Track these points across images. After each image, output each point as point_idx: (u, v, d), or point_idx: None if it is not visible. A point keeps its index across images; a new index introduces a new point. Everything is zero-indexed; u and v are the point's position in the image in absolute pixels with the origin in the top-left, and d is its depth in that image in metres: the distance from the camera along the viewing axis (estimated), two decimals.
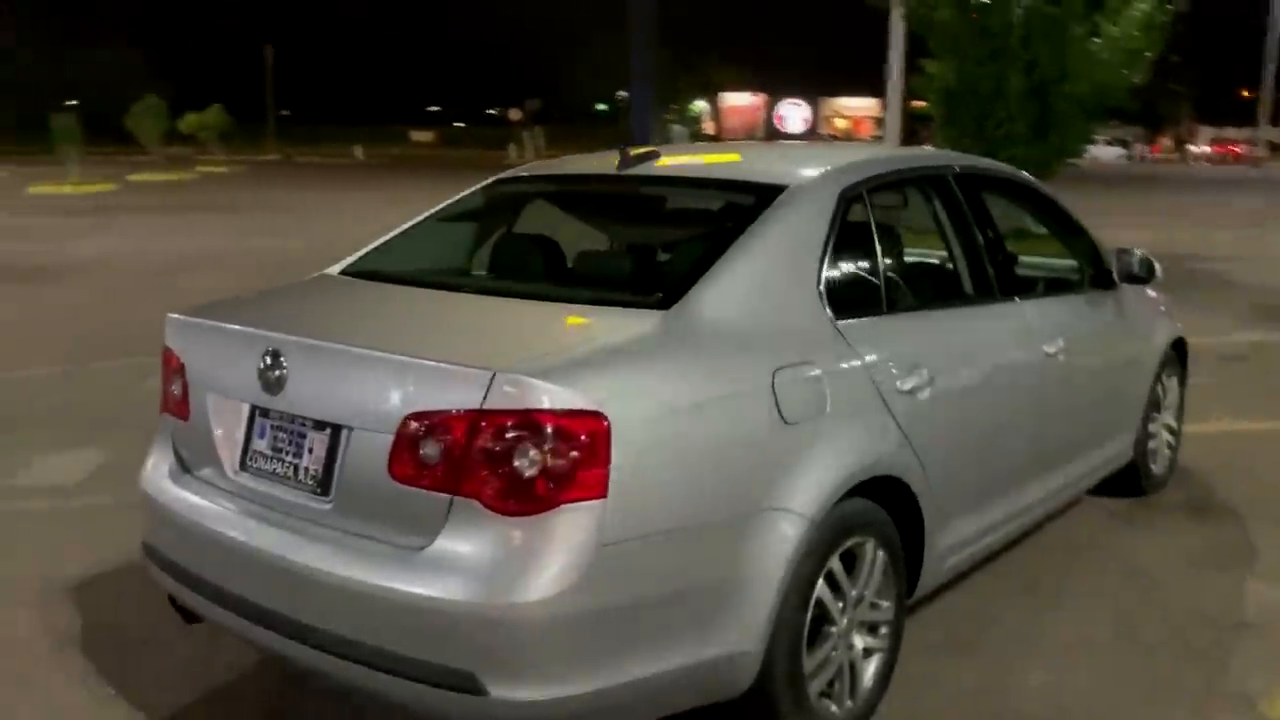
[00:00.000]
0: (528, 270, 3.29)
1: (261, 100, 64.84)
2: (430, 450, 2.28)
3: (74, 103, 26.16)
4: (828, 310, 2.88)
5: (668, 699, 2.52)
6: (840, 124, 66.38)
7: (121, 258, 13.37)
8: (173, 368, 2.94)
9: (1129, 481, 4.78)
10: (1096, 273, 4.36)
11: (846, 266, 3.07)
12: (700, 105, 67.11)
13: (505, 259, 3.43)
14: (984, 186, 3.86)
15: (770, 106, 65.59)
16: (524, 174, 3.79)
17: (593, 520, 2.23)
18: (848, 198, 3.12)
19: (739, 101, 66.57)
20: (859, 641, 2.95)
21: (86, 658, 3.37)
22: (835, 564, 2.79)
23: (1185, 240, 16.86)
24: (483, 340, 2.60)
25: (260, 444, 2.66)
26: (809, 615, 2.71)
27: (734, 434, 2.52)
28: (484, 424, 2.23)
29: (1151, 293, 5.08)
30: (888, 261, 3.25)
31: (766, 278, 2.81)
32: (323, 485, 2.50)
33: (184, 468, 2.92)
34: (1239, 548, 4.34)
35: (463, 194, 3.68)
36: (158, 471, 2.95)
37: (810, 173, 3.17)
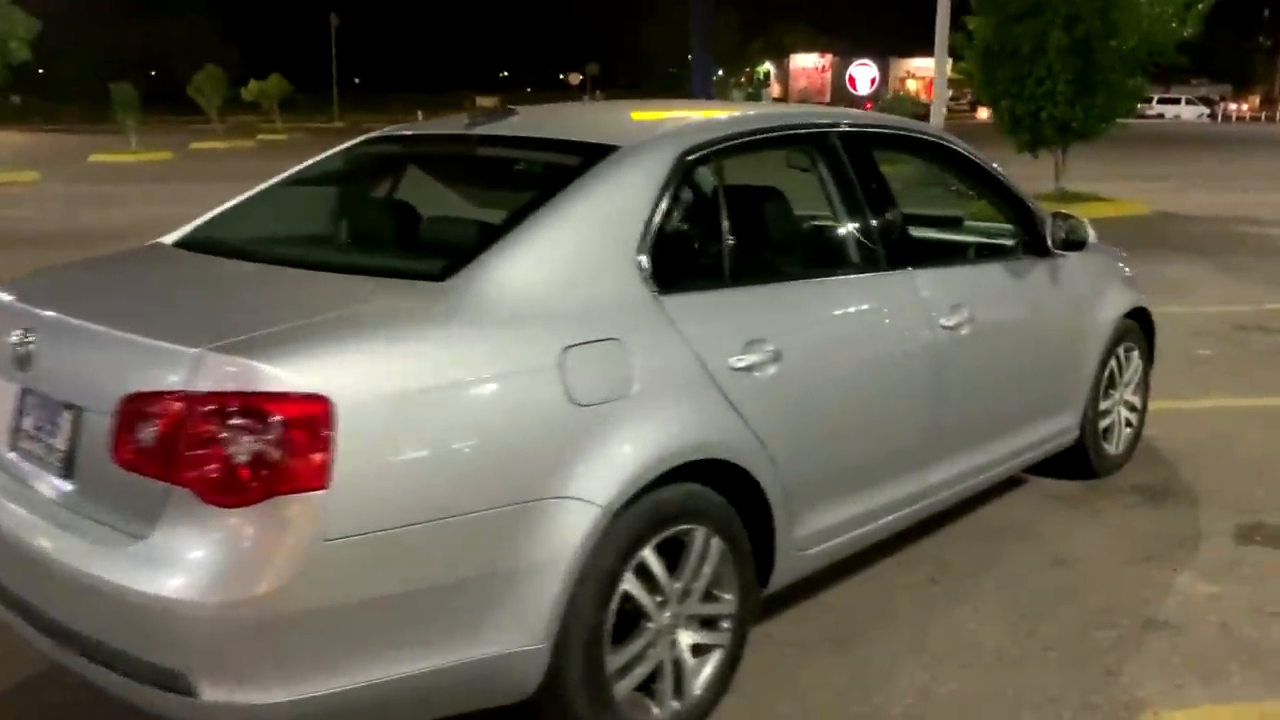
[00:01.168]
0: (362, 237, 3.11)
1: (331, 68, 65.35)
2: (146, 434, 2.12)
3: (132, 73, 26.61)
4: (647, 282, 2.64)
5: (439, 700, 2.35)
6: (912, 85, 64.84)
7: (168, 223, 13.42)
8: None
9: (1079, 463, 4.47)
10: (1032, 239, 4.03)
11: (680, 235, 2.82)
12: (767, 68, 66.19)
13: (352, 225, 3.25)
14: (885, 147, 3.57)
15: (838, 67, 64.32)
16: (389, 134, 3.59)
17: (311, 513, 2.05)
18: (690, 160, 2.87)
19: (806, 63, 65.41)
20: (687, 638, 2.74)
21: None
22: (649, 554, 2.58)
23: (1247, 203, 16.06)
24: (217, 315, 2.42)
25: (26, 423, 2.53)
26: (612, 610, 2.51)
27: (508, 417, 2.31)
28: (191, 406, 2.06)
29: (1115, 260, 4.74)
30: (740, 229, 2.99)
31: (571, 247, 2.58)
32: (68, 468, 2.36)
33: None
34: (1185, 537, 4.00)
35: (323, 155, 3.50)
36: None
37: (648, 133, 2.93)
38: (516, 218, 2.59)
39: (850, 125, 3.41)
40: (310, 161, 3.49)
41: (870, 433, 3.22)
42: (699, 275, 2.86)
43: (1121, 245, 11.08)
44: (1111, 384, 4.49)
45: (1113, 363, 4.45)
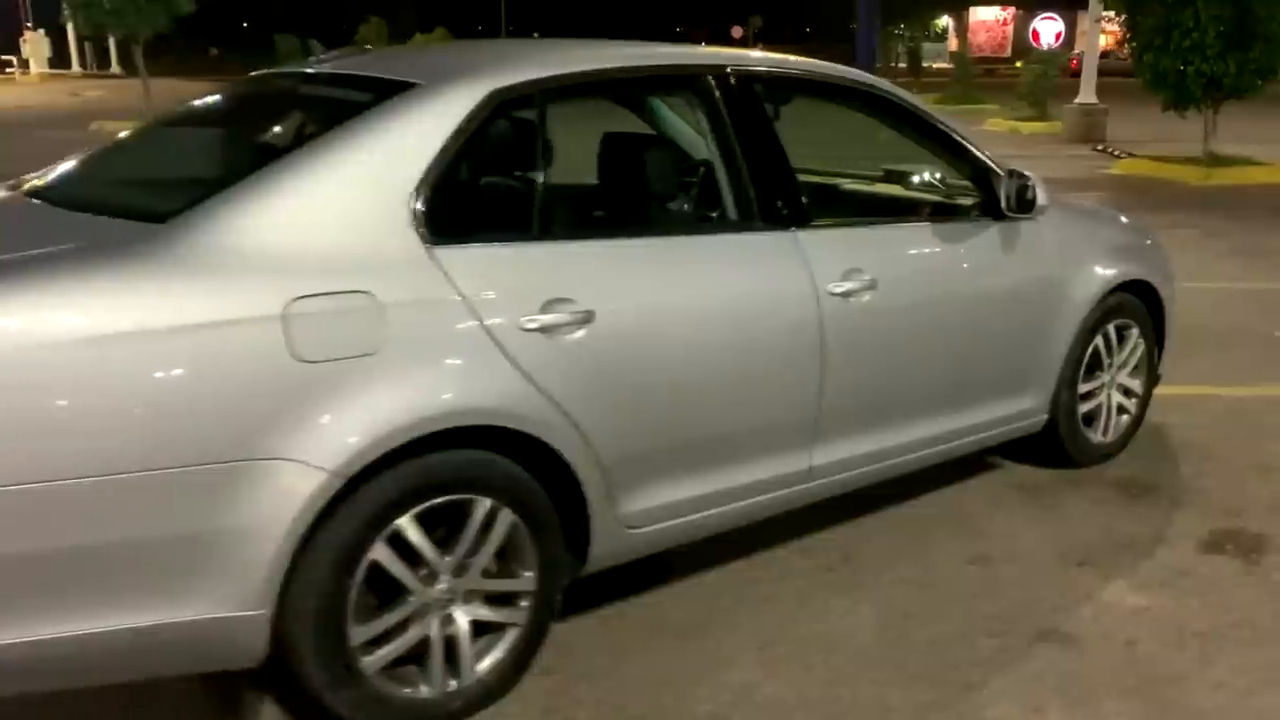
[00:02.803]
0: (168, 180, 2.97)
1: (509, 21, 66.03)
2: None
3: (308, 25, 27.58)
4: (421, 232, 2.45)
5: (144, 660, 2.26)
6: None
7: None
8: None
9: (1055, 450, 4.04)
10: (988, 200, 3.61)
11: (478, 183, 2.61)
12: (944, 21, 63.52)
13: (184, 165, 3.14)
14: (786, 92, 3.24)
15: (1020, 21, 61.05)
16: (262, 73, 3.46)
17: None
18: (503, 101, 2.64)
19: (986, 16, 62.36)
20: (469, 613, 2.57)
21: None
22: (407, 524, 2.42)
23: None
24: None
25: None
26: (357, 580, 2.37)
27: (210, 371, 2.16)
28: None
29: (1113, 227, 4.24)
30: (569, 180, 2.76)
31: (327, 191, 2.40)
32: None
33: None
34: (1143, 540, 3.55)
35: (208, 95, 3.43)
36: None
37: (455, 70, 2.71)
38: (268, 157, 2.45)
39: (738, 69, 3.09)
40: (192, 102, 3.42)
41: (721, 406, 2.94)
42: (495, 227, 2.64)
43: (1257, 213, 10.21)
44: (1097, 365, 4.02)
45: (1098, 341, 3.98)
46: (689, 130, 3.82)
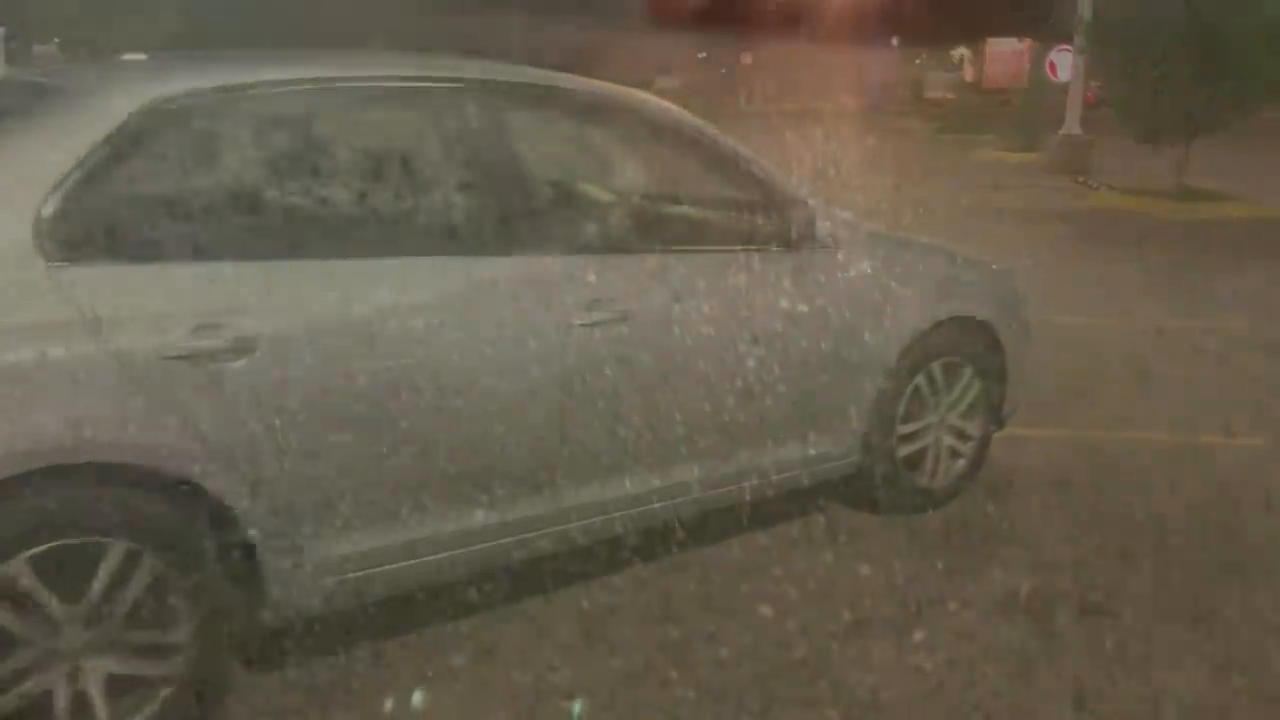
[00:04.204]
0: None
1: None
2: None
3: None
4: (43, 251, 2.25)
5: None
6: None
7: None
8: None
9: (874, 493, 3.79)
10: (782, 229, 3.39)
11: (126, 198, 2.42)
12: (960, 52, 63.47)
13: None
14: (528, 109, 3.04)
15: (1037, 53, 60.87)
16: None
17: None
18: (161, 113, 2.44)
19: (1003, 48, 62.20)
20: (103, 666, 2.35)
21: None
22: (20, 568, 2.20)
23: None
24: None
25: None
26: None
27: None
28: None
29: (942, 261, 3.98)
30: (248, 196, 2.56)
31: None
32: None
33: None
34: (935, 598, 3.27)
35: None
36: None
37: (115, 78, 2.53)
38: None
39: (467, 82, 2.89)
40: None
41: (434, 444, 2.71)
42: (144, 246, 2.43)
43: (1212, 248, 9.91)
44: (921, 405, 3.77)
45: (920, 380, 3.74)
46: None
